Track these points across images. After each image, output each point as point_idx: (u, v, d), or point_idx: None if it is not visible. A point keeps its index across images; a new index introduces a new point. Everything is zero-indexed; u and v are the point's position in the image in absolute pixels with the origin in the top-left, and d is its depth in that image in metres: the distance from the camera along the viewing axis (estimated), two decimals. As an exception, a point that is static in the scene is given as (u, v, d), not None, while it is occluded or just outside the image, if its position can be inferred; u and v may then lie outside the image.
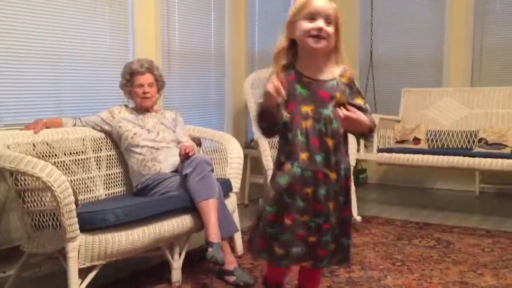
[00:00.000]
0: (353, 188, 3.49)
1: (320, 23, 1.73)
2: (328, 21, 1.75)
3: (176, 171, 2.72)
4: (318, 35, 1.74)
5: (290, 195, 1.75)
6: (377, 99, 5.23)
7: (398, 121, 4.53)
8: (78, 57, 3.06)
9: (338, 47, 1.83)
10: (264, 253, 1.83)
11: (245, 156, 3.99)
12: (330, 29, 1.76)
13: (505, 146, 3.77)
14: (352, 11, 5.35)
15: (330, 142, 1.79)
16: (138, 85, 2.86)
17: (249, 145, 4.25)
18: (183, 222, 2.47)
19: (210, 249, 2.35)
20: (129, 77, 2.87)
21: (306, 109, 1.78)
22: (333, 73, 1.82)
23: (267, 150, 3.55)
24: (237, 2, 4.32)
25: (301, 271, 2.05)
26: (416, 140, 4.27)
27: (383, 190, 5.09)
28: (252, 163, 4.33)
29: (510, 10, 4.65)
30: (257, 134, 3.89)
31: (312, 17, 1.75)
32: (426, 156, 3.83)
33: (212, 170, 2.60)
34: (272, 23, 4.87)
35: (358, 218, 3.49)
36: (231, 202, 2.84)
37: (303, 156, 1.76)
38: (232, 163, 2.99)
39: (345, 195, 1.84)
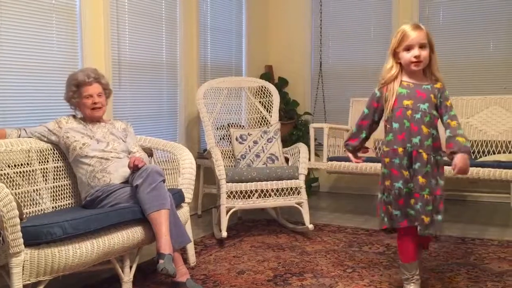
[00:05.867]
0: (305, 197, 3.57)
1: (416, 51, 2.28)
2: (422, 46, 2.28)
3: (126, 182, 2.68)
4: (417, 61, 2.29)
5: None
6: (327, 108, 5.35)
7: (347, 130, 4.63)
8: (23, 67, 2.97)
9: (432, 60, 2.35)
10: None
11: (198, 166, 3.98)
12: (425, 52, 2.30)
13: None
14: (303, 25, 5.46)
15: (425, 130, 2.30)
16: (86, 96, 2.80)
17: (202, 155, 4.24)
18: (133, 234, 2.43)
19: (161, 261, 2.32)
20: (76, 89, 2.81)
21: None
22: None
23: (220, 160, 3.55)
24: (189, 13, 4.33)
25: None
26: (365, 149, 4.38)
27: (335, 198, 5.18)
28: (205, 173, 4.31)
29: (451, 22, 4.87)
30: (210, 144, 3.90)
31: (409, 48, 2.30)
32: (374, 164, 3.91)
33: (164, 181, 2.58)
34: (224, 33, 4.91)
35: (310, 226, 3.53)
36: (184, 212, 2.82)
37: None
38: (185, 173, 2.97)
39: None
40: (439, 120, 2.36)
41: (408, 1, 4.97)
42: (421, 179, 2.29)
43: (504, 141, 4.10)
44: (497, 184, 4.05)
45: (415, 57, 2.29)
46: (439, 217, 2.31)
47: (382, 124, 2.49)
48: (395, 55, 2.37)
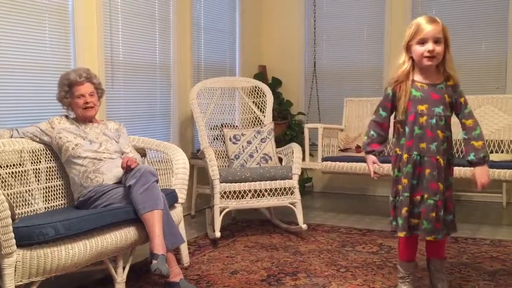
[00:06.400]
0: (299, 196, 3.57)
1: (429, 45, 2.16)
2: (436, 41, 2.17)
3: (119, 182, 2.67)
4: (430, 56, 2.18)
5: None
6: (321, 108, 5.36)
7: (342, 130, 4.64)
8: (15, 67, 2.96)
9: (446, 57, 2.22)
10: None
11: (192, 166, 3.98)
12: (439, 48, 2.17)
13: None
14: (297, 25, 5.47)
15: (440, 135, 2.22)
16: (78, 96, 2.79)
17: (195, 156, 4.24)
18: (127, 234, 2.42)
19: (154, 261, 2.31)
20: (68, 89, 2.80)
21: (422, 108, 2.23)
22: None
23: (214, 160, 3.55)
24: (182, 12, 4.32)
25: None
26: (359, 148, 4.41)
27: (328, 198, 5.19)
28: (199, 174, 4.31)
29: (444, 17, 4.86)
30: (203, 144, 3.89)
31: (423, 42, 2.18)
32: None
33: (157, 181, 2.57)
34: (218, 32, 4.90)
35: (304, 226, 3.54)
36: (177, 213, 2.82)
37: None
38: (178, 173, 2.97)
39: None
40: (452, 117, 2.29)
41: (400, 2, 4.99)
42: (441, 186, 2.23)
43: (496, 140, 4.13)
44: (489, 183, 4.06)
45: (429, 51, 2.16)
46: (450, 216, 2.28)
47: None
48: (408, 49, 2.24)
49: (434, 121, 2.22)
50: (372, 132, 2.37)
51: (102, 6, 3.48)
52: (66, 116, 2.87)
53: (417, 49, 2.20)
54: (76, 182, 2.69)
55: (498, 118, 4.15)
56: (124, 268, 2.51)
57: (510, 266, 2.89)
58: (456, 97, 2.27)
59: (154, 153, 3.20)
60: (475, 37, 4.79)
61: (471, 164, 2.28)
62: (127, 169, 2.60)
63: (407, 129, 2.26)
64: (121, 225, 2.41)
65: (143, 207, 2.44)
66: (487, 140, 4.11)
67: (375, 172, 2.41)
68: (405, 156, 2.26)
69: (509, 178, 3.51)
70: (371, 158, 2.38)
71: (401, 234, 2.29)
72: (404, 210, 2.26)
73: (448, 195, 2.28)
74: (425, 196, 2.24)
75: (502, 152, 4.10)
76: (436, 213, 2.23)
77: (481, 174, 2.25)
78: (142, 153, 3.09)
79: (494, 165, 3.55)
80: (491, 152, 4.07)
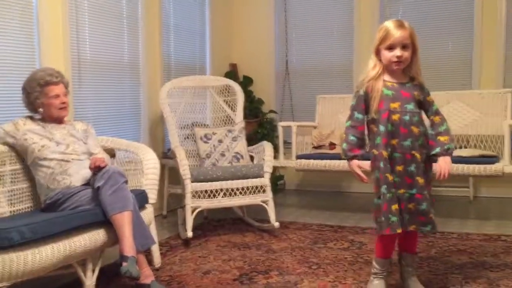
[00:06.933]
0: (270, 195, 3.58)
1: (397, 52, 2.24)
2: (404, 46, 2.25)
3: (87, 184, 2.62)
4: (398, 61, 2.26)
5: None
6: (294, 106, 5.38)
7: (315, 127, 4.67)
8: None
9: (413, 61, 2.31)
10: None
11: (163, 166, 3.94)
12: (407, 53, 2.25)
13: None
14: (267, 23, 5.47)
15: (415, 130, 2.28)
16: (54, 96, 2.73)
17: (166, 155, 4.20)
18: (96, 237, 2.37)
19: (124, 264, 2.28)
20: (40, 89, 2.72)
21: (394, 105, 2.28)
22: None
23: (185, 159, 3.52)
24: (151, 10, 4.27)
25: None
26: (332, 145, 4.44)
27: (301, 195, 5.22)
28: (170, 173, 4.27)
29: (411, 22, 4.94)
30: (174, 143, 3.86)
31: (391, 47, 2.25)
32: (342, 162, 3.97)
33: (126, 182, 2.53)
34: (187, 31, 4.86)
35: (276, 224, 3.55)
36: (147, 213, 2.78)
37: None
38: (148, 173, 2.93)
39: None
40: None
41: (368, 1, 5.04)
42: (420, 180, 2.28)
43: (465, 135, 4.22)
44: (457, 178, 4.15)
45: (397, 57, 2.24)
46: (430, 208, 2.32)
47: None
48: (378, 52, 2.31)
49: (407, 117, 2.27)
50: (351, 138, 2.34)
51: (68, 1, 3.40)
52: (31, 117, 2.80)
53: (386, 54, 2.27)
54: (43, 185, 2.63)
55: (466, 113, 4.24)
56: (93, 271, 2.47)
57: (477, 258, 2.95)
58: (424, 96, 2.35)
59: (123, 154, 3.15)
60: (441, 37, 4.88)
61: (436, 156, 2.31)
62: (96, 169, 2.56)
63: (381, 127, 2.27)
64: (89, 228, 2.36)
65: (112, 208, 2.40)
66: (456, 135, 4.19)
67: (363, 176, 2.36)
68: (385, 153, 2.26)
69: (478, 173, 3.60)
70: (355, 163, 2.35)
71: (399, 230, 2.26)
72: (396, 206, 2.25)
73: (430, 189, 2.34)
74: (401, 191, 2.28)
75: (470, 146, 4.19)
76: (415, 205, 2.28)
77: (443, 164, 2.29)
78: (111, 153, 3.05)
79: (463, 160, 3.64)
80: (460, 147, 4.16)
